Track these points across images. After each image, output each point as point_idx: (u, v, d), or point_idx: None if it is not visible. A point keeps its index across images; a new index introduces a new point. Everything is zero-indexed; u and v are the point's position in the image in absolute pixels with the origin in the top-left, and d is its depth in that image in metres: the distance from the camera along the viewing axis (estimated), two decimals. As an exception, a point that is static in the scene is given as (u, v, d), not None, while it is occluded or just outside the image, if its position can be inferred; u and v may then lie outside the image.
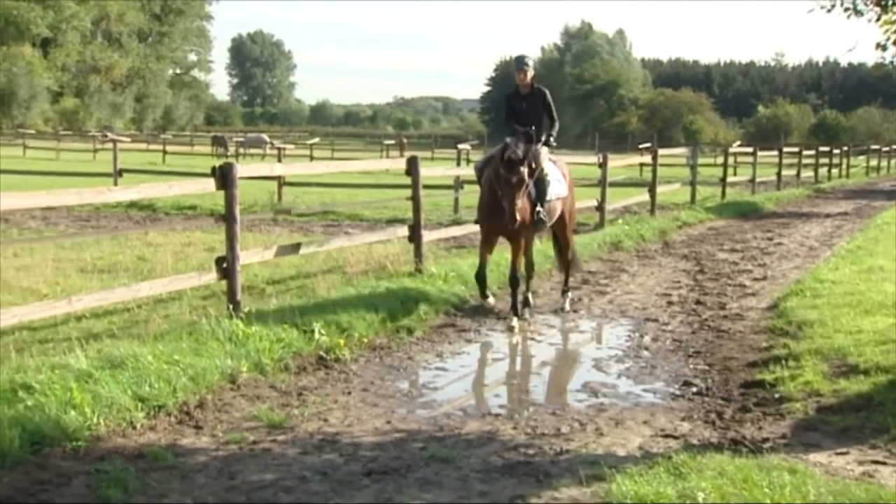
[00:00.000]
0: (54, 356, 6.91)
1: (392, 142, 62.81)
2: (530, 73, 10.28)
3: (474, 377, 8.08)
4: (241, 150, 51.41)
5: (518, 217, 9.09)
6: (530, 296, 10.45)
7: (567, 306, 10.62)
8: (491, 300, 10.13)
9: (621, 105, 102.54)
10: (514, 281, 9.88)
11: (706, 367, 8.13)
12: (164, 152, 46.19)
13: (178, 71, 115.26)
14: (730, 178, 27.80)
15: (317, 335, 8.12)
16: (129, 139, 50.36)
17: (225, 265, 8.66)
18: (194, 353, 7.11)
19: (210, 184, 8.76)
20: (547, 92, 10.40)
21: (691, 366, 8.21)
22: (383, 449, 5.89)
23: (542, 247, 14.05)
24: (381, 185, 22.32)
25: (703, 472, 5.16)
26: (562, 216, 10.56)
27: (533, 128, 9.68)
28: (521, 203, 9.22)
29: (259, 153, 50.99)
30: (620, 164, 22.83)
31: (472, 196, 20.75)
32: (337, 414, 6.62)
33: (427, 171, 12.56)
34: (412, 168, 11.95)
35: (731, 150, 34.94)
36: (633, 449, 5.96)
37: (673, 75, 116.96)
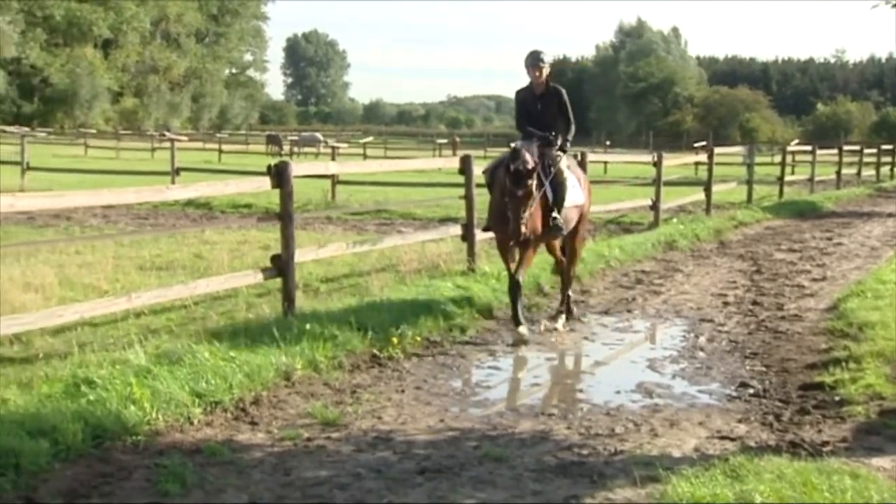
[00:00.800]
0: (115, 352, 7.03)
1: (445, 141, 62.90)
2: (546, 71, 9.37)
3: (527, 376, 8.05)
4: (296, 149, 51.83)
5: (523, 230, 8.54)
6: (572, 306, 9.84)
7: (560, 326, 9.47)
8: (524, 330, 8.88)
9: (676, 103, 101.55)
10: (514, 288, 9.01)
11: (763, 369, 8.01)
12: (220, 151, 46.75)
13: (233, 71, 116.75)
14: (788, 177, 27.42)
15: (370, 333, 8.14)
16: (186, 138, 51.01)
17: (280, 263, 8.74)
18: (250, 350, 7.18)
19: (266, 182, 8.84)
20: (563, 91, 9.51)
21: (748, 367, 8.10)
22: (437, 447, 5.89)
23: (595, 246, 13.99)
24: (433, 184, 22.29)
25: (761, 475, 5.08)
26: (576, 225, 9.78)
27: (554, 133, 9.27)
28: (528, 215, 8.59)
29: (313, 152, 51.37)
30: (675, 162, 22.62)
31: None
32: (390, 412, 6.63)
33: (480, 170, 12.52)
34: (465, 167, 11.95)
35: (789, 148, 34.45)
36: (688, 450, 5.90)
37: (729, 73, 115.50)
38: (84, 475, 5.14)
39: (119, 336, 8.02)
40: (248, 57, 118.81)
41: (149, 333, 8.03)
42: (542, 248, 9.90)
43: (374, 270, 11.77)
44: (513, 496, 5.10)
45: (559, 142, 9.37)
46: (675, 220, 18.49)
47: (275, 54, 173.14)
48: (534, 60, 9.31)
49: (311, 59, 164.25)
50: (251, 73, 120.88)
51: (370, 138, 69.77)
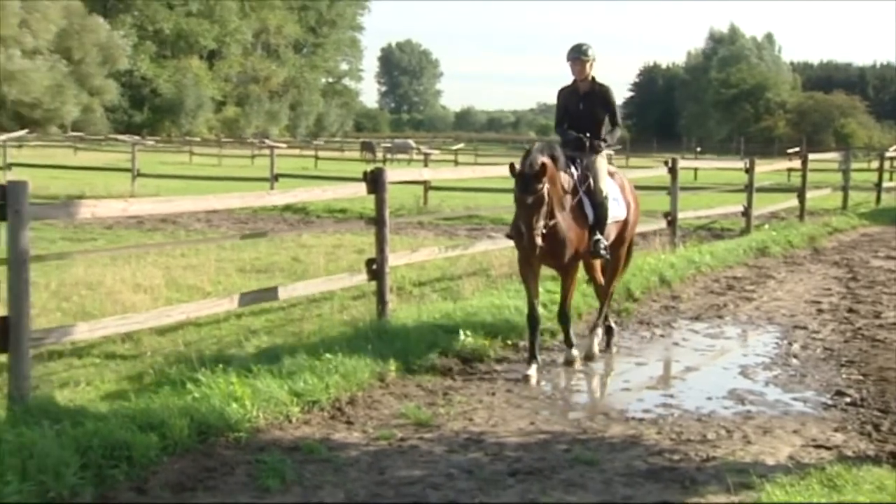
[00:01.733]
0: (218, 350, 7.19)
1: (535, 147, 62.41)
2: (589, 66, 8.14)
3: (617, 381, 7.95)
4: (389, 156, 52.25)
5: (538, 241, 7.22)
6: (600, 332, 8.62)
7: (595, 348, 8.46)
8: (533, 373, 7.60)
9: (768, 109, 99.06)
10: (563, 317, 8.10)
11: (860, 378, 7.75)
12: (317, 157, 47.40)
13: (330, 80, 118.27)
14: (885, 184, 26.54)
15: (462, 336, 8.14)
16: (284, 145, 51.86)
17: (374, 267, 8.82)
18: (345, 351, 7.24)
19: (361, 188, 8.93)
20: (610, 89, 8.32)
21: (844, 375, 7.85)
22: (527, 450, 5.86)
23: (685, 252, 13.75)
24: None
25: (860, 486, 4.93)
26: (618, 239, 8.56)
27: (588, 134, 8.11)
28: (542, 225, 7.24)
29: (405, 158, 51.70)
30: (767, 168, 22.11)
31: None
32: (482, 414, 6.62)
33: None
34: (557, 173, 11.89)
35: (888, 154, 33.30)
36: (782, 458, 5.75)
37: (824, 78, 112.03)
38: (190, 469, 5.27)
39: (221, 336, 8.19)
40: (343, 66, 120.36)
41: (249, 334, 8.19)
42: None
43: (466, 275, 11.75)
44: (603, 500, 5.05)
45: (595, 141, 8.14)
46: (767, 226, 18.09)
47: (370, 63, 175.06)
48: (576, 54, 8.12)
49: (404, 68, 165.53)
50: (347, 81, 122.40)
51: (461, 145, 69.90)
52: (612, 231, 8.33)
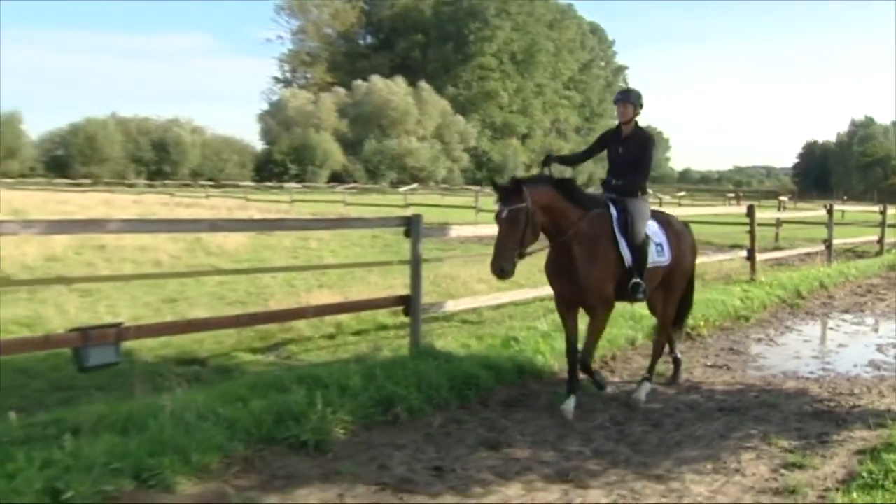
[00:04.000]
0: (528, 322, 7.34)
1: (732, 195, 57.47)
2: (633, 110, 5.10)
3: (790, 351, 7.15)
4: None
5: (504, 267, 4.40)
6: (680, 374, 5.85)
7: (642, 396, 5.18)
8: (570, 407, 4.84)
9: (895, 171, 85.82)
10: (572, 359, 4.94)
11: None
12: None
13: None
14: None
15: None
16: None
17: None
18: (610, 325, 7.01)
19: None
20: (651, 137, 5.21)
21: (971, 358, 6.52)
22: (729, 395, 5.49)
23: (838, 266, 12.07)
24: (725, 223, 20.45)
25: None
26: (663, 287, 5.36)
27: (615, 181, 5.10)
28: (516, 251, 4.43)
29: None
30: (895, 212, 19.15)
31: (789, 230, 18.27)
32: (698, 371, 6.28)
33: (759, 214, 11.52)
34: (750, 212, 11.08)
35: None
36: (909, 409, 4.99)
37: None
38: (512, 394, 5.40)
39: (531, 312, 8.32)
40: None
41: (548, 312, 8.25)
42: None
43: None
44: (782, 430, 4.68)
45: (614, 182, 5.11)
46: (895, 250, 15.63)
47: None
48: (623, 96, 5.19)
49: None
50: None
51: (683, 193, 65.61)
52: (654, 276, 5.17)
